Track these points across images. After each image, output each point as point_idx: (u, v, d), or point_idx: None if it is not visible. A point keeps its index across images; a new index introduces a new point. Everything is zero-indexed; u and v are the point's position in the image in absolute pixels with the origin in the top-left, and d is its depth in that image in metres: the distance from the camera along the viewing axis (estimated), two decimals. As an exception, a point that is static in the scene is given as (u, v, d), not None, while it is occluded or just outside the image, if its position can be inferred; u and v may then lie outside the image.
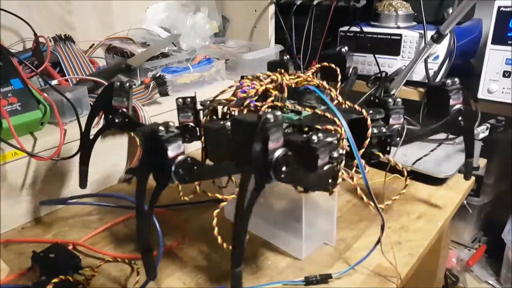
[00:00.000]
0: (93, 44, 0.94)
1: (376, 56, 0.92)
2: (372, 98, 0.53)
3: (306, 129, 0.48)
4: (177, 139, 0.40)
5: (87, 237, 0.60)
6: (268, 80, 0.50)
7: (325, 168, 0.42)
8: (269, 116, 0.34)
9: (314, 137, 0.41)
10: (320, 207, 0.57)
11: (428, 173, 0.74)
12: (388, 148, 0.54)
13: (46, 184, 0.66)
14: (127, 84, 0.53)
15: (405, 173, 0.57)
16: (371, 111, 0.52)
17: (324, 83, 0.54)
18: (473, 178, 0.77)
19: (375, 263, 0.54)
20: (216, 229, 0.48)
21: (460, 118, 0.56)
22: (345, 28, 0.96)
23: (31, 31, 0.81)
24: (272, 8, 0.99)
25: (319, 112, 0.49)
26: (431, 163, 0.76)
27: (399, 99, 0.53)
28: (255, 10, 1.00)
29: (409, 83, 0.91)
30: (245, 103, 0.48)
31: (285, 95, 0.52)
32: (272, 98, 0.49)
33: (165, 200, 0.69)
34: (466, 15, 0.95)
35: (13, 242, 0.59)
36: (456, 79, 0.55)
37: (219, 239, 0.49)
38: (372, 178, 0.70)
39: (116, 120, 0.54)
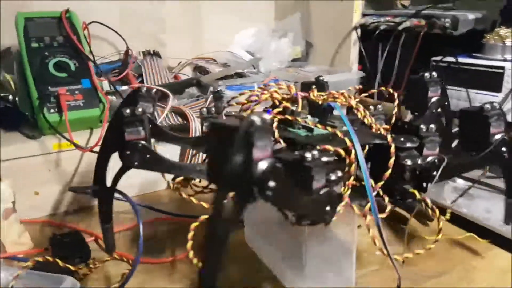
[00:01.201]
0: (181, 61, 1.02)
1: (474, 91, 0.78)
2: (399, 123, 0.44)
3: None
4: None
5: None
6: (274, 89, 0.46)
7: (321, 192, 0.36)
8: (255, 118, 0.29)
9: (308, 154, 0.35)
10: (335, 244, 0.48)
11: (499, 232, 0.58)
12: (424, 185, 0.44)
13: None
14: (140, 110, 0.44)
15: (440, 221, 0.45)
16: (402, 138, 0.44)
17: (353, 102, 0.47)
18: None
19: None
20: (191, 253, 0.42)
21: (504, 148, 0.44)
22: (439, 57, 0.84)
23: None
24: (355, 33, 0.93)
25: (331, 131, 0.43)
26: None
27: (432, 125, 0.43)
28: (338, 35, 0.96)
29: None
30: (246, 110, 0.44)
31: (299, 108, 0.46)
32: (279, 109, 0.45)
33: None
34: None
35: (46, 224, 0.64)
36: (496, 103, 0.44)
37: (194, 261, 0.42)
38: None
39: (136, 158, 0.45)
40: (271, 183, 0.29)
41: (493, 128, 0.46)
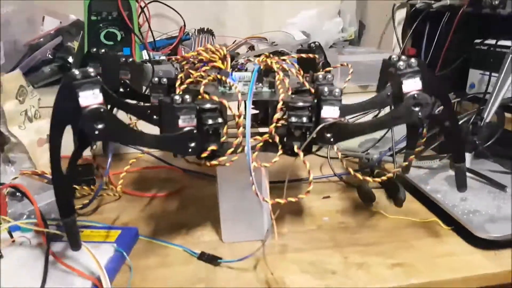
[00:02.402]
0: (235, 40, 1.16)
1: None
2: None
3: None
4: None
5: (119, 171, 0.80)
6: (202, 48, 0.57)
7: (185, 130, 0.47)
8: (76, 72, 0.41)
9: (177, 97, 0.47)
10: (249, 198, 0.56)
11: (466, 225, 0.58)
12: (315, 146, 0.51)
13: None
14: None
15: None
16: (298, 99, 0.51)
17: (274, 66, 0.55)
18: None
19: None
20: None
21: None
22: (487, 40, 0.80)
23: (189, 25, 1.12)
24: (401, 14, 0.94)
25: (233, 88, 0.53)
26: (487, 216, 0.59)
27: (337, 89, 0.49)
28: (386, 15, 0.98)
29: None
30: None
31: (228, 68, 0.57)
32: (206, 67, 0.56)
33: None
34: None
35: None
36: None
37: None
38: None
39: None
40: (99, 125, 0.41)
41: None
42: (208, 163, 0.50)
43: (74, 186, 0.71)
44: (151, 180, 0.80)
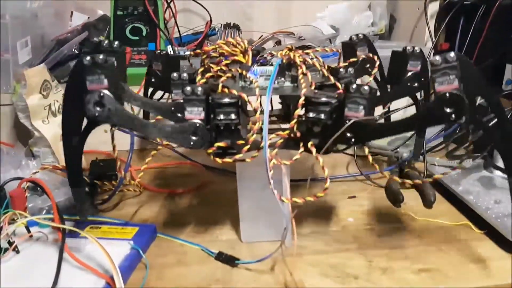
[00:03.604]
0: (262, 35, 1.14)
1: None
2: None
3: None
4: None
5: (143, 167, 0.79)
6: (222, 41, 0.55)
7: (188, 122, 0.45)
8: (87, 58, 0.43)
9: (188, 88, 0.45)
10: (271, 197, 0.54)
11: (500, 230, 0.53)
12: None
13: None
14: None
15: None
16: (319, 92, 0.48)
17: (298, 59, 0.52)
18: None
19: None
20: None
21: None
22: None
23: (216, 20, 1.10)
24: (434, 7, 0.89)
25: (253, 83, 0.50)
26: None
27: (366, 87, 0.46)
28: (418, 8, 0.93)
29: None
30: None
31: (249, 62, 0.54)
32: (227, 62, 0.54)
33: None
34: None
35: (104, 155, 0.86)
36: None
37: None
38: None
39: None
40: (98, 108, 0.42)
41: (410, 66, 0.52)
42: (219, 160, 0.48)
43: (96, 181, 0.71)
44: (172, 176, 0.79)
